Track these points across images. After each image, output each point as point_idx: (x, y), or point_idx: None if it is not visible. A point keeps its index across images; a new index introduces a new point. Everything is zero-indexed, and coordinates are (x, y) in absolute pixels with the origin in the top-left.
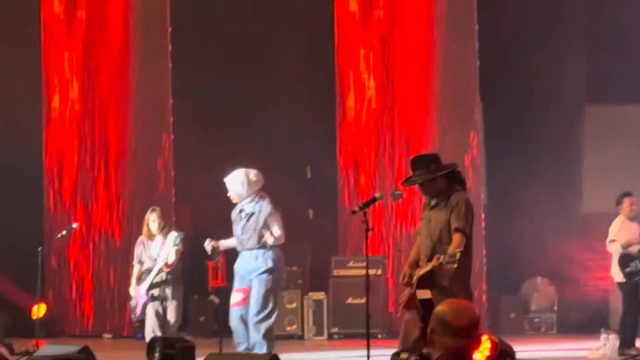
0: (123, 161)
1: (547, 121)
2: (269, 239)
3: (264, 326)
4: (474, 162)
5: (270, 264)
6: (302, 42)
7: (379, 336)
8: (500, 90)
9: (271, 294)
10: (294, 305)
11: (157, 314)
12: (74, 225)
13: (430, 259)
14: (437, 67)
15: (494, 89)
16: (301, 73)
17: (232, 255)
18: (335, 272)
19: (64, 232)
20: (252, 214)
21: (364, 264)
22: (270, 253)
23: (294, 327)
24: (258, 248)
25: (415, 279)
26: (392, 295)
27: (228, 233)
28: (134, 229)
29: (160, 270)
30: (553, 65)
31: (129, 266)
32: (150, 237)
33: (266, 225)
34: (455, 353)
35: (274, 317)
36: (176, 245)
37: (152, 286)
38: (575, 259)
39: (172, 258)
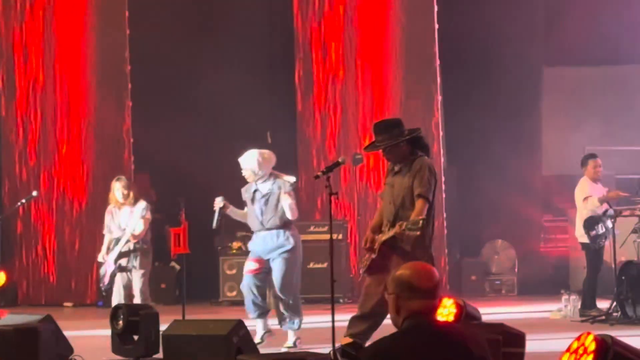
0: (86, 127)
1: (506, 83)
2: (287, 210)
3: (291, 300)
4: (438, 126)
5: (292, 241)
6: (262, 4)
7: (341, 301)
8: (459, 53)
9: (293, 270)
10: None
11: (124, 284)
12: (34, 193)
13: (393, 225)
14: (398, 31)
15: (453, 52)
16: (261, 36)
17: (195, 222)
18: None
19: (23, 201)
20: (270, 193)
21: (325, 228)
22: (290, 231)
23: None
24: (279, 227)
25: (377, 244)
26: (354, 260)
27: (188, 199)
28: (99, 197)
29: (127, 241)
30: (512, 28)
31: (94, 232)
32: (119, 205)
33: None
34: (423, 314)
35: (298, 290)
36: (144, 215)
37: (120, 256)
38: (535, 221)
39: (139, 228)
